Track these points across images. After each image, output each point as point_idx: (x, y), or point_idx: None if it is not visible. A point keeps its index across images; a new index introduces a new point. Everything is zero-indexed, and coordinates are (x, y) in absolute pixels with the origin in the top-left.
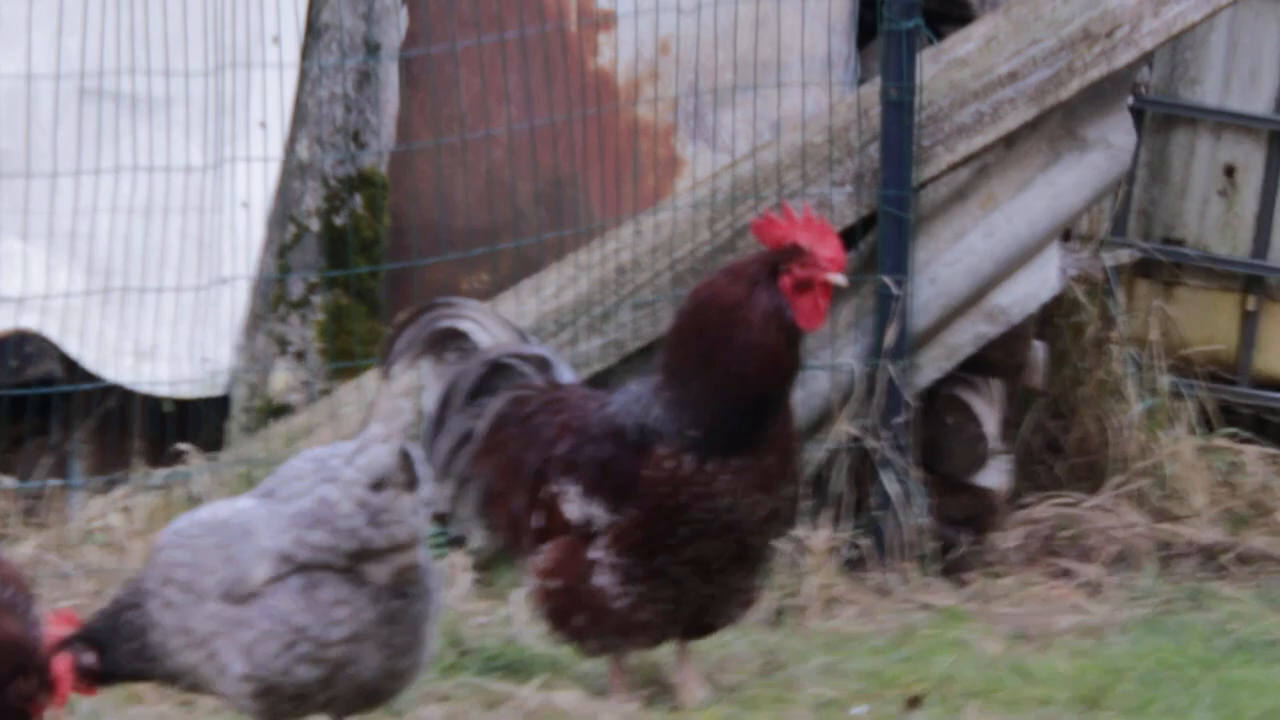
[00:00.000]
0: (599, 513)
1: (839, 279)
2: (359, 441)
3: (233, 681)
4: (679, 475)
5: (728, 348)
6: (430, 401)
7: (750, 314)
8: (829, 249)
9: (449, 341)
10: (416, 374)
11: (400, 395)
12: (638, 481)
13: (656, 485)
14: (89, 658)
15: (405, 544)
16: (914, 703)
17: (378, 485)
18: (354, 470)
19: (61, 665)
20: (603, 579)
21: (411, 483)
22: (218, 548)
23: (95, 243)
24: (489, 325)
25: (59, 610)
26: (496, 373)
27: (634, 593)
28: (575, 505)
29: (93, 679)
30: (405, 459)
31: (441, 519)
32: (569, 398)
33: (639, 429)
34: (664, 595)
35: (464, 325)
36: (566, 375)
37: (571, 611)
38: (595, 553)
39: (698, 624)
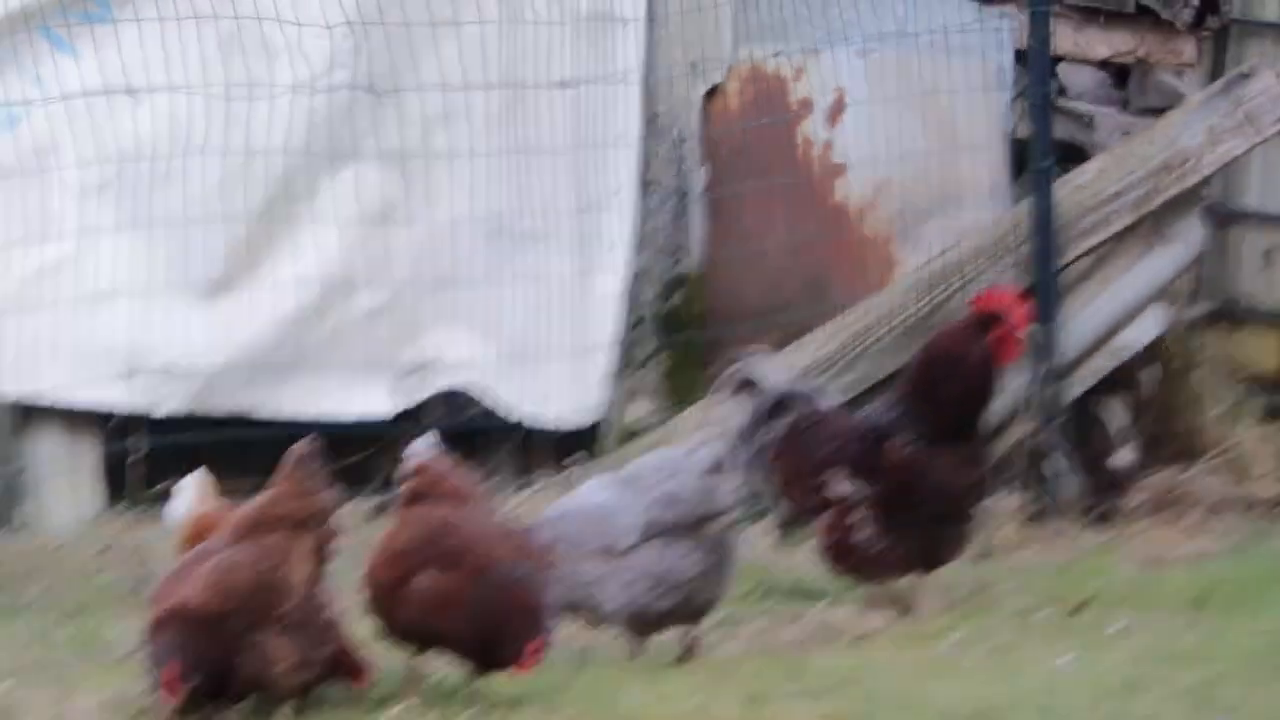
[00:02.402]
0: (857, 489)
1: (1025, 334)
2: (693, 443)
3: (610, 612)
4: (909, 458)
5: (954, 379)
6: (739, 424)
7: (971, 358)
8: (1019, 312)
9: (749, 383)
10: (729, 405)
11: (719, 417)
12: (882, 465)
13: (896, 466)
14: None
15: (729, 510)
16: (1078, 609)
17: (709, 471)
18: (694, 462)
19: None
20: (864, 533)
21: (729, 468)
22: (593, 522)
23: (502, 329)
24: (775, 372)
25: None
26: (783, 401)
27: (884, 542)
28: (841, 485)
29: None
30: (725, 453)
31: (752, 498)
32: (831, 416)
33: (882, 427)
34: (904, 542)
35: (758, 372)
36: (830, 402)
37: (845, 556)
38: (857, 516)
39: (931, 560)
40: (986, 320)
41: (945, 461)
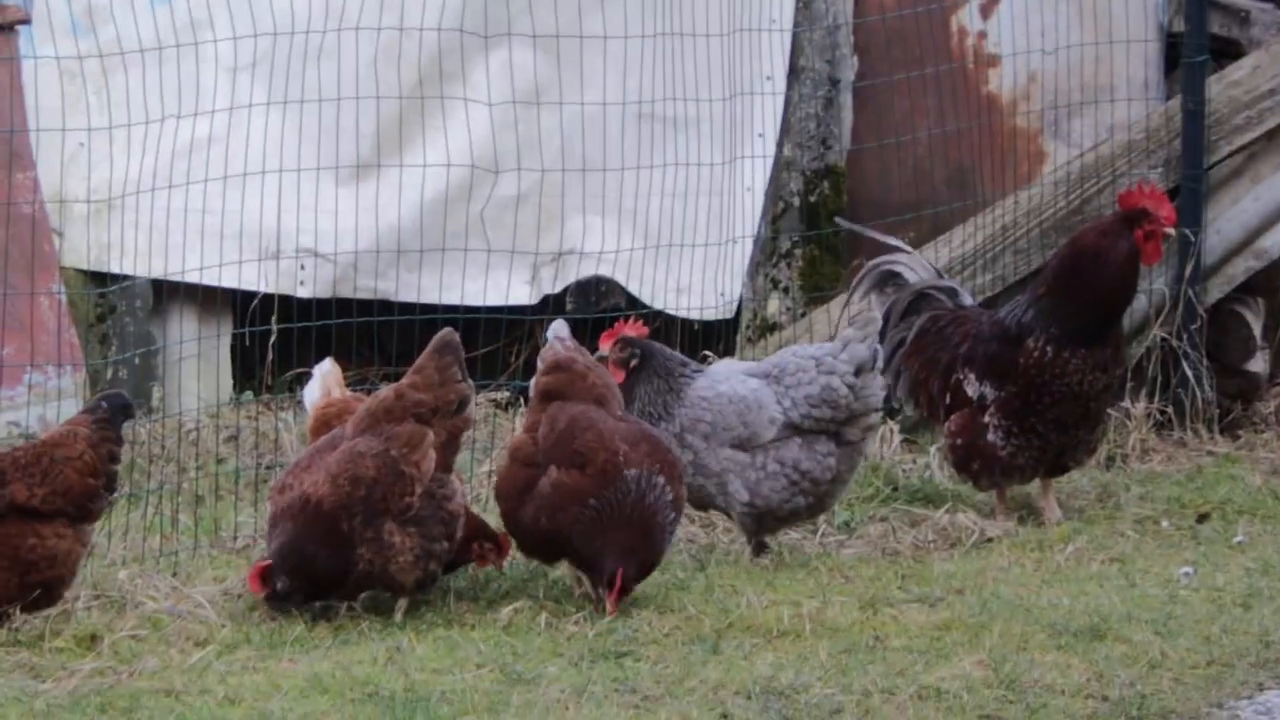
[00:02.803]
0: (989, 390)
1: (1172, 231)
2: (841, 341)
3: (738, 505)
4: (1043, 360)
5: (1097, 276)
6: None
7: (1115, 255)
8: (1166, 210)
9: (889, 278)
10: (870, 300)
11: (869, 312)
12: (1015, 366)
13: (1029, 368)
14: None
15: (875, 410)
16: (1203, 518)
17: (858, 371)
18: (843, 363)
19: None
20: (992, 436)
21: (876, 369)
22: (736, 414)
23: (649, 216)
24: (916, 267)
25: None
26: (920, 299)
27: (1013, 445)
28: (973, 386)
29: None
30: (875, 352)
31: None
32: (969, 315)
33: (1017, 327)
34: (1034, 446)
35: (899, 267)
36: (968, 300)
37: (971, 459)
38: (987, 419)
39: (1057, 466)
40: (1133, 217)
41: (1080, 364)
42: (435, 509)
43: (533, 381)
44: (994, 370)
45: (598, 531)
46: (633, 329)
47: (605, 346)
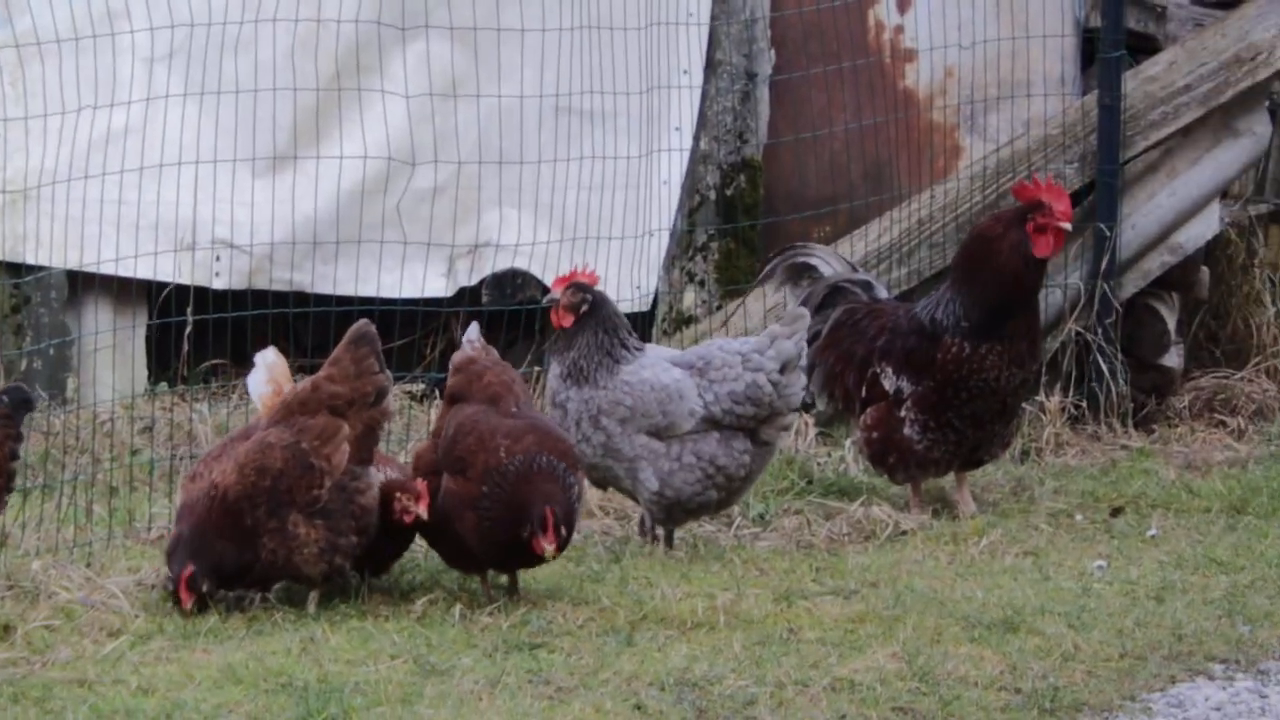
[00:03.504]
0: (906, 384)
1: (1067, 225)
2: (768, 337)
3: (647, 494)
4: (961, 356)
5: (989, 267)
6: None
7: (1004, 246)
8: (1063, 205)
9: (803, 271)
10: (784, 292)
11: (800, 307)
12: (933, 361)
13: (946, 363)
14: None
15: (793, 410)
16: (1117, 512)
17: (784, 369)
18: (769, 360)
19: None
20: (909, 430)
21: (802, 365)
22: (656, 402)
23: (565, 209)
24: (830, 260)
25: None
26: (835, 292)
27: (929, 439)
28: (890, 380)
29: None
30: (801, 349)
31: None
32: (885, 308)
33: (931, 323)
34: (950, 440)
35: (813, 260)
36: (883, 294)
37: (888, 452)
38: (903, 412)
39: (971, 460)
40: (1027, 210)
41: (997, 360)
42: (345, 503)
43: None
44: (911, 364)
45: (496, 527)
46: (585, 276)
47: (557, 290)
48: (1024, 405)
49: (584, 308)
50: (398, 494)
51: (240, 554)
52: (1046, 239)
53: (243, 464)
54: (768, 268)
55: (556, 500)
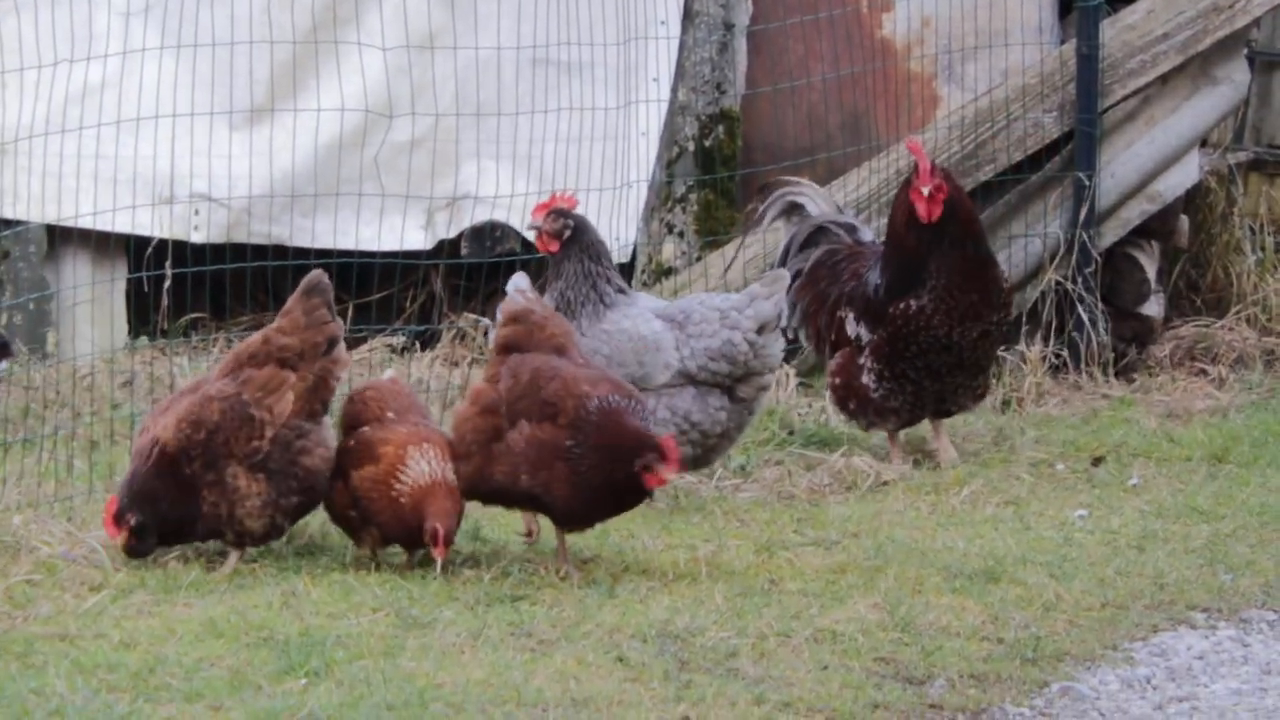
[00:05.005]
0: (864, 332)
1: (923, 190)
2: (747, 296)
3: None
4: (909, 311)
5: (889, 227)
6: (777, 250)
7: (896, 209)
8: (922, 172)
9: (794, 209)
10: (778, 225)
11: (779, 269)
12: (885, 313)
13: (895, 316)
14: None
15: (771, 371)
16: (1097, 461)
17: (761, 329)
18: (747, 318)
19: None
20: (866, 379)
21: (780, 326)
22: (634, 352)
23: (543, 161)
24: (818, 200)
25: None
26: (819, 233)
27: (885, 388)
28: (852, 326)
29: None
30: (780, 311)
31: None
32: (865, 252)
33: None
34: (907, 390)
35: (802, 198)
36: (868, 236)
37: (848, 399)
38: (862, 360)
39: (941, 410)
40: (910, 174)
41: (946, 317)
42: (289, 462)
43: (492, 333)
44: (869, 313)
45: (584, 475)
46: (565, 200)
47: (538, 218)
48: (1001, 355)
49: (567, 233)
50: (639, 453)
51: (181, 506)
52: (922, 203)
53: (181, 417)
54: (764, 205)
55: (649, 452)
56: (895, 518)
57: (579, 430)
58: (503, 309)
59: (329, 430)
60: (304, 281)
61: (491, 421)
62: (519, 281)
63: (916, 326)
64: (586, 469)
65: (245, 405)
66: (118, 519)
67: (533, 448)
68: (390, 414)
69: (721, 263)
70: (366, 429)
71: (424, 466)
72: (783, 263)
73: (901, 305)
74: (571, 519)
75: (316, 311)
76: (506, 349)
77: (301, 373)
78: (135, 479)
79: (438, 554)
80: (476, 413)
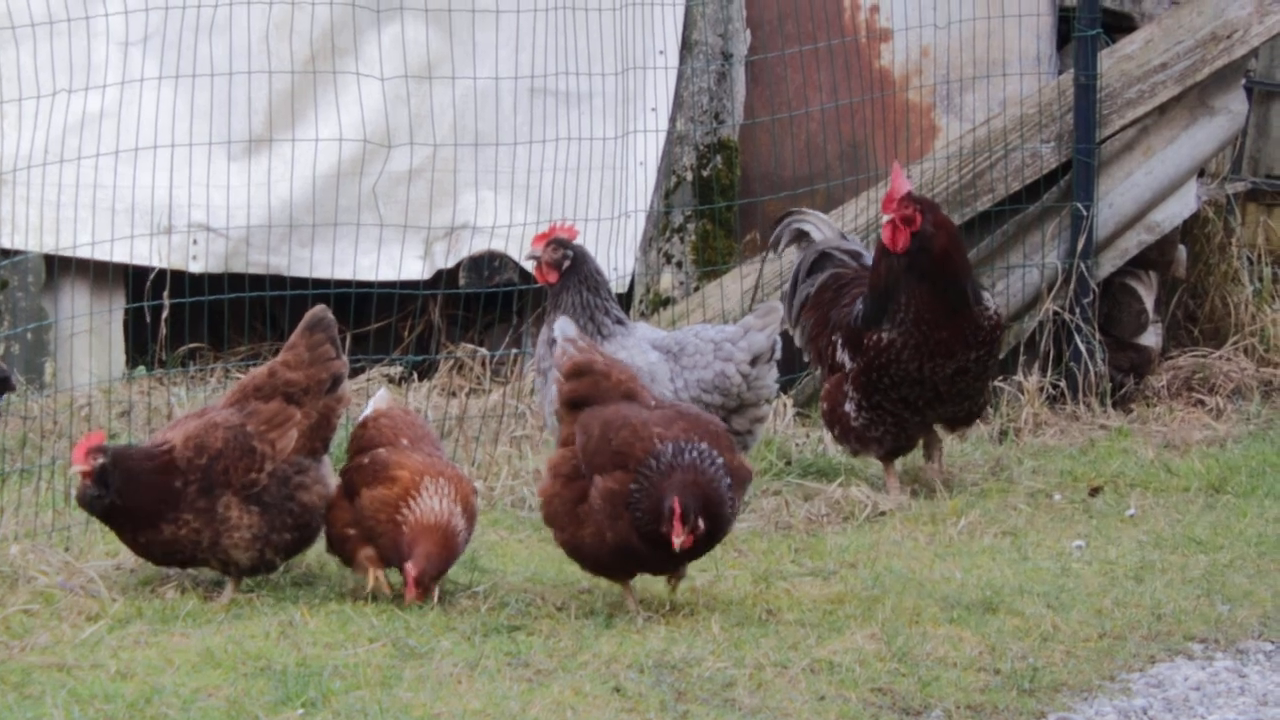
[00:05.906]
0: (847, 359)
1: (887, 216)
2: (742, 328)
3: None
4: (879, 344)
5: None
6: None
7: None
8: (888, 197)
9: (801, 236)
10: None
11: (771, 301)
12: (861, 344)
13: (868, 349)
14: None
15: (766, 402)
16: (1095, 491)
17: (754, 361)
18: (740, 350)
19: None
20: (847, 406)
21: (775, 359)
22: None
23: (541, 190)
24: (821, 226)
25: None
26: (823, 258)
27: (864, 418)
28: (840, 353)
29: None
30: (774, 343)
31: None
32: (862, 278)
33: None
34: (886, 422)
35: (805, 226)
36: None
37: (834, 424)
38: (845, 387)
39: (925, 441)
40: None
41: (915, 352)
42: (285, 497)
43: (554, 392)
44: (850, 340)
45: (643, 520)
46: (564, 231)
47: (537, 248)
48: (983, 388)
49: (566, 263)
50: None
51: (151, 507)
52: (887, 230)
53: (188, 436)
54: (775, 232)
55: (691, 489)
56: (893, 548)
57: (644, 476)
58: (561, 364)
59: (328, 468)
60: (307, 316)
61: (574, 487)
62: (567, 329)
63: (887, 360)
64: (639, 515)
65: (249, 437)
66: (91, 453)
67: (607, 501)
68: (404, 440)
69: (720, 293)
70: (383, 450)
71: (435, 504)
72: (793, 288)
73: (874, 336)
74: (664, 564)
75: (321, 348)
76: (575, 405)
77: (306, 409)
78: (131, 450)
79: (408, 593)
80: (560, 485)
